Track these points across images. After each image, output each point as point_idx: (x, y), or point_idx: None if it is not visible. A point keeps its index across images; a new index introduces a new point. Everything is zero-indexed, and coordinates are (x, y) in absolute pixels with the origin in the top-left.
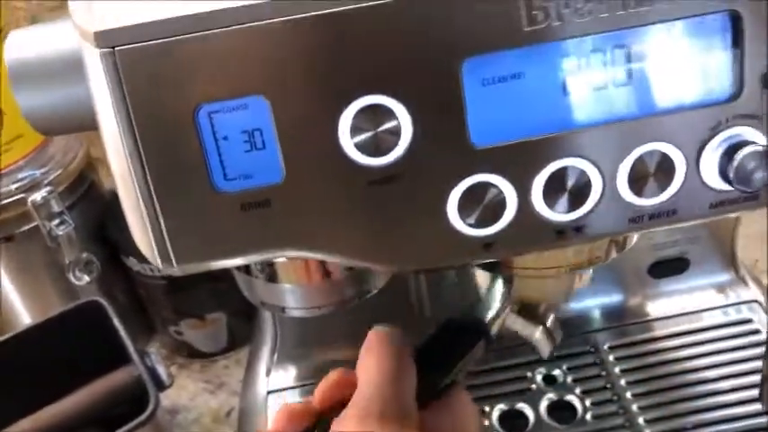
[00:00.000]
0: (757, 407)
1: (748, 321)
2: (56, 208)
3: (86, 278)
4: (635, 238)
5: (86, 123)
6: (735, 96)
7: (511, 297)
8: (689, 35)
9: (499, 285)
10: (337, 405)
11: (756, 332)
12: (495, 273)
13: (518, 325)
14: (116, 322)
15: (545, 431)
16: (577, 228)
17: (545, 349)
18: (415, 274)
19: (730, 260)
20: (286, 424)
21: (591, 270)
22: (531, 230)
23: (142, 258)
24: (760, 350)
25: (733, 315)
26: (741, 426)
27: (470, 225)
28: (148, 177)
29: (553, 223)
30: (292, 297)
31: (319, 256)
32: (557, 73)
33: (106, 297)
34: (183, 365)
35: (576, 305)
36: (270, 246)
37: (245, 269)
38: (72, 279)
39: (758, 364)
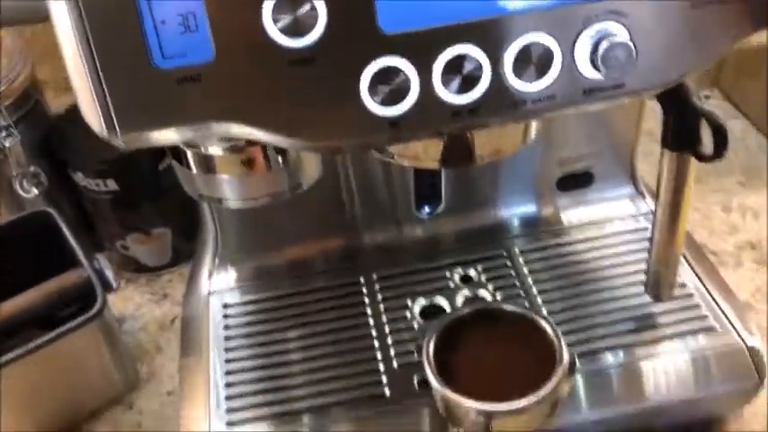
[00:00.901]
0: (645, 298)
1: (644, 230)
2: (1, 121)
3: (34, 191)
4: (534, 130)
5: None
6: None
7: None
8: None
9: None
10: None
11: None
12: None
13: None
14: (65, 230)
15: None
16: (471, 110)
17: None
18: (344, 173)
19: (630, 176)
20: None
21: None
22: (430, 111)
23: (89, 173)
24: None
25: (632, 225)
26: (630, 314)
27: (379, 104)
28: (95, 56)
29: (450, 105)
30: (229, 188)
31: (246, 130)
32: None
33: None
34: (130, 279)
35: (493, 215)
36: (202, 117)
37: (186, 164)
38: (20, 191)
39: None
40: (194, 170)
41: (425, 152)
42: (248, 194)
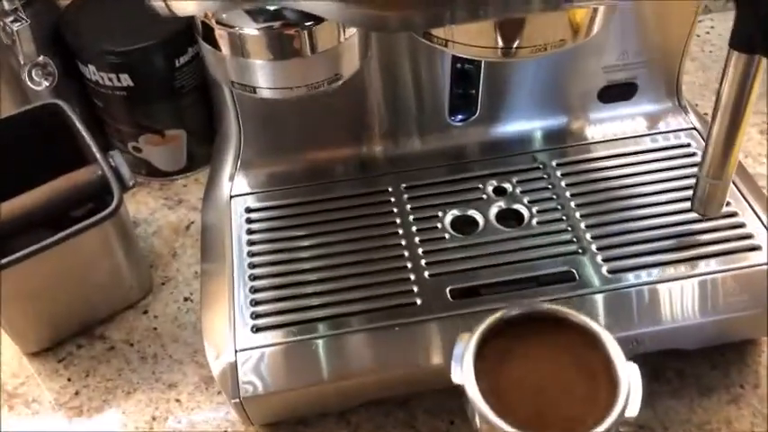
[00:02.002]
0: (689, 215)
1: (686, 146)
2: (8, 5)
3: (44, 82)
4: (598, 22)
5: None
6: None
7: None
8: None
9: None
10: None
11: (693, 155)
12: None
13: None
14: (77, 123)
15: (494, 234)
16: None
17: None
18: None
19: (674, 89)
20: None
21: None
22: None
23: (102, 66)
24: (695, 170)
25: (672, 140)
26: (674, 231)
27: None
28: None
29: None
30: (263, 75)
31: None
32: None
33: None
34: (143, 183)
35: (529, 126)
36: None
37: (218, 45)
38: (28, 83)
39: (692, 181)
40: (227, 53)
41: (481, 36)
42: (284, 83)
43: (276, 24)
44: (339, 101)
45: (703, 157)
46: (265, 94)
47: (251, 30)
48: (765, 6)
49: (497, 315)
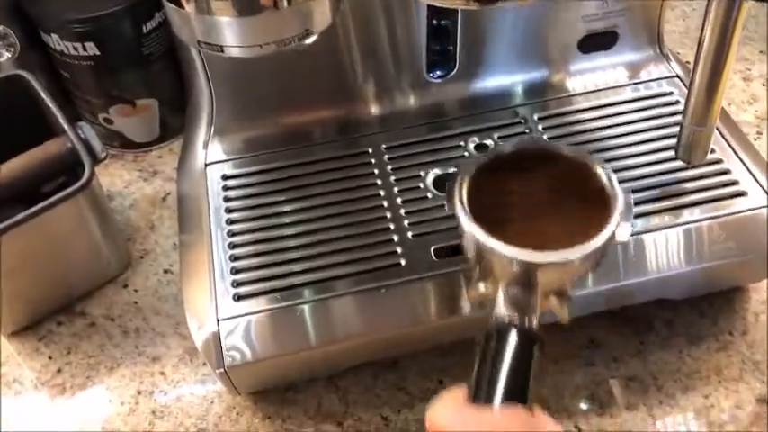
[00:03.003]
0: (674, 164)
1: (669, 94)
2: None
3: (6, 54)
4: None
5: None
6: None
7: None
8: None
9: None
10: None
11: (676, 103)
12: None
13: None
14: (43, 95)
15: None
16: None
17: (565, 315)
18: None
19: (656, 37)
20: None
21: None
22: None
23: (66, 35)
24: (679, 118)
25: (654, 89)
26: (660, 180)
27: None
28: None
29: None
30: (231, 32)
31: None
32: None
33: None
34: (116, 156)
35: (501, 80)
36: None
37: (182, 4)
38: None
39: (676, 129)
40: (192, 11)
41: None
42: (253, 40)
43: None
44: (313, 61)
45: (686, 104)
46: (234, 52)
47: None
48: None
49: (490, 153)
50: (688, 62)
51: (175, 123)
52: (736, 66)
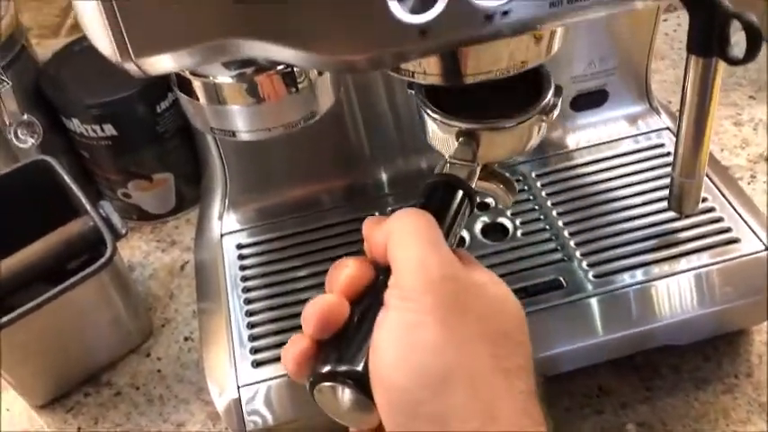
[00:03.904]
0: (667, 214)
1: (660, 146)
2: None
3: (31, 140)
4: (558, 41)
5: None
6: None
7: (478, 155)
8: None
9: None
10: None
11: (667, 155)
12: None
13: (482, 184)
14: (66, 178)
15: (480, 248)
16: (504, 12)
17: (508, 200)
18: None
19: (644, 92)
20: (325, 320)
21: (544, 125)
22: (462, 16)
23: (85, 119)
24: (670, 169)
25: (646, 142)
26: (654, 231)
27: (407, 10)
28: None
29: (482, 8)
30: (241, 119)
31: (263, 46)
32: None
33: None
34: (134, 228)
35: None
36: (221, 33)
37: (195, 95)
38: (15, 142)
39: (668, 180)
40: (204, 102)
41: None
42: (261, 125)
43: (249, 70)
44: (319, 132)
45: (674, 157)
46: (244, 136)
47: (225, 78)
48: (716, 11)
49: None
50: (678, 110)
51: (191, 194)
52: (727, 111)
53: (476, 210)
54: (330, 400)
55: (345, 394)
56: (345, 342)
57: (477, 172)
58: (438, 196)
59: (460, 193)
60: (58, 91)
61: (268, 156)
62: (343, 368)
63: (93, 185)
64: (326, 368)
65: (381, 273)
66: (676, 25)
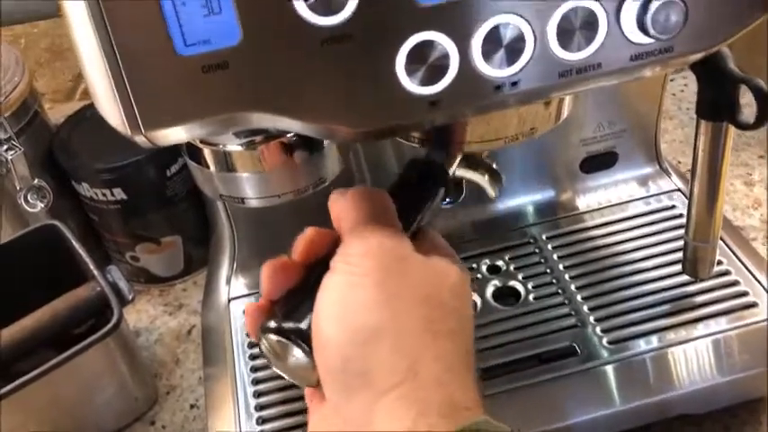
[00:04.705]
0: (681, 278)
1: (671, 208)
2: (2, 134)
3: (40, 204)
4: (567, 108)
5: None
6: None
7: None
8: None
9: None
10: (319, 260)
11: (679, 217)
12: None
13: (466, 173)
14: (74, 242)
15: (492, 314)
16: (513, 83)
17: (493, 190)
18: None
19: (654, 154)
20: (277, 279)
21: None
22: (471, 87)
23: (95, 183)
24: (683, 231)
25: (657, 204)
26: (668, 295)
27: (417, 83)
28: (114, 45)
29: (491, 79)
30: (250, 186)
31: (276, 119)
32: None
33: None
34: (142, 291)
35: (511, 202)
36: (231, 108)
37: (204, 163)
38: (25, 206)
39: (681, 243)
40: (214, 169)
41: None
42: (270, 192)
43: (258, 138)
44: (326, 192)
45: (687, 221)
46: (253, 203)
47: (234, 146)
48: (725, 76)
49: None
50: (689, 171)
51: (199, 255)
52: (738, 170)
53: (486, 273)
54: (277, 356)
55: (289, 350)
56: (294, 301)
57: (458, 158)
58: (409, 177)
59: (432, 177)
60: (69, 155)
61: (277, 219)
62: (288, 325)
63: (101, 248)
64: (272, 323)
65: (338, 244)
66: (683, 85)
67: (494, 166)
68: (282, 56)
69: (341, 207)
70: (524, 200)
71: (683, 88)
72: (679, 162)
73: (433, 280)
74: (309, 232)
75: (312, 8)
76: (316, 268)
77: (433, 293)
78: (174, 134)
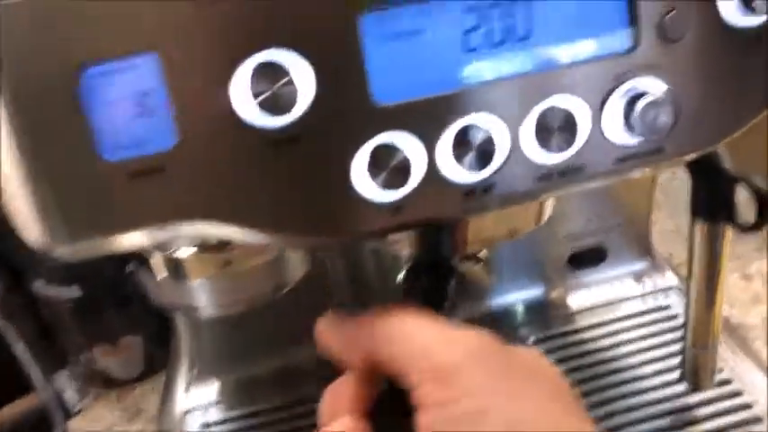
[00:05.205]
0: (680, 387)
1: (666, 308)
2: None
3: None
4: (549, 208)
5: None
6: (632, 48)
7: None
8: None
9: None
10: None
11: (675, 317)
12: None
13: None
14: (19, 347)
15: None
16: (486, 188)
17: (487, 281)
18: (332, 264)
19: (646, 248)
20: None
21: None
22: (439, 192)
23: (49, 280)
24: (679, 333)
25: (652, 302)
26: (667, 407)
27: (378, 188)
28: (29, 149)
29: (461, 184)
30: (203, 294)
31: (219, 229)
32: (456, 28)
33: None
34: (99, 395)
35: (499, 300)
36: (166, 218)
37: (152, 270)
38: None
39: (679, 346)
40: (162, 277)
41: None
42: (225, 300)
43: (209, 243)
44: (299, 298)
45: (685, 327)
46: (207, 312)
47: (185, 252)
48: (720, 175)
49: None
50: (681, 265)
51: (161, 356)
52: (734, 264)
53: None
54: None
55: None
56: None
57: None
58: (423, 284)
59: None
60: (20, 252)
61: (239, 327)
62: None
63: (55, 349)
64: None
65: (383, 382)
66: (671, 173)
67: (483, 256)
68: (224, 160)
69: (370, 338)
70: (514, 297)
71: (671, 177)
72: (671, 254)
73: (537, 365)
74: (353, 385)
75: (258, 107)
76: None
77: (553, 382)
78: (103, 247)
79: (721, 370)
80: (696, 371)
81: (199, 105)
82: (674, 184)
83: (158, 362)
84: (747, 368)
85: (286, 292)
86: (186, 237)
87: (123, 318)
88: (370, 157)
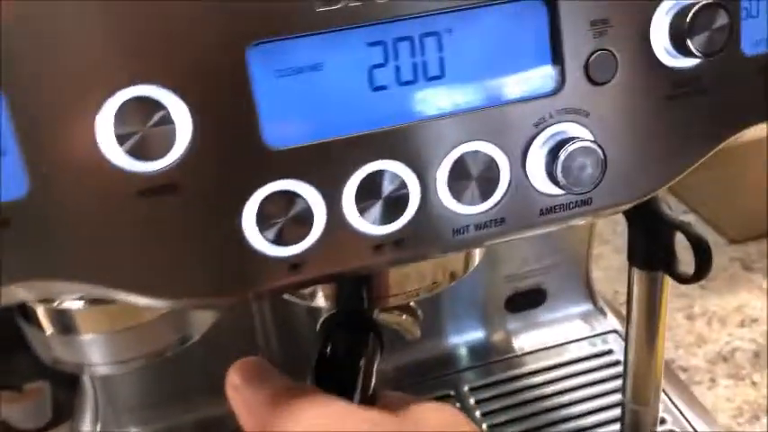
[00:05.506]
0: None
1: (609, 352)
2: None
3: None
4: (478, 255)
5: None
6: (557, 90)
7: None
8: (504, 22)
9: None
10: None
11: (618, 363)
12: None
13: (386, 316)
14: None
15: None
16: (397, 241)
17: (416, 331)
18: (260, 311)
19: (587, 291)
20: None
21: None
22: (344, 246)
23: None
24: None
25: (593, 347)
26: None
27: (271, 243)
28: None
29: (369, 237)
30: (93, 350)
31: (84, 288)
32: (360, 64)
33: None
34: None
35: (436, 346)
36: (16, 278)
37: (35, 321)
38: None
39: (620, 396)
40: (47, 331)
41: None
42: (118, 357)
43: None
44: (220, 343)
45: (624, 381)
46: (98, 371)
47: (73, 304)
48: (659, 222)
49: None
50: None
51: (70, 404)
52: (678, 302)
53: None
54: None
55: None
56: None
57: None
58: (341, 344)
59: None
60: None
61: (147, 375)
62: None
63: None
64: None
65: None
66: None
67: (411, 304)
68: (85, 212)
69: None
70: (454, 340)
71: None
72: (616, 291)
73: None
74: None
75: (127, 151)
76: None
77: None
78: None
79: (664, 421)
80: (637, 425)
81: (54, 148)
82: (621, 218)
83: (68, 410)
84: (691, 419)
85: (207, 337)
86: (46, 297)
87: (29, 361)
88: (262, 207)
